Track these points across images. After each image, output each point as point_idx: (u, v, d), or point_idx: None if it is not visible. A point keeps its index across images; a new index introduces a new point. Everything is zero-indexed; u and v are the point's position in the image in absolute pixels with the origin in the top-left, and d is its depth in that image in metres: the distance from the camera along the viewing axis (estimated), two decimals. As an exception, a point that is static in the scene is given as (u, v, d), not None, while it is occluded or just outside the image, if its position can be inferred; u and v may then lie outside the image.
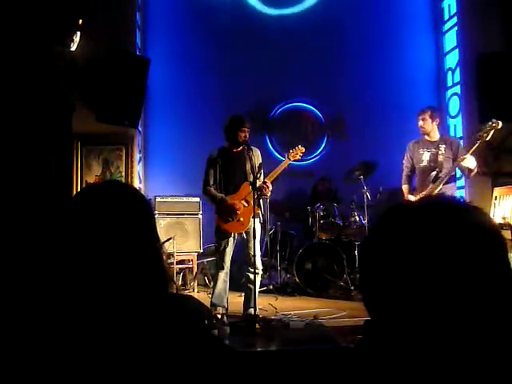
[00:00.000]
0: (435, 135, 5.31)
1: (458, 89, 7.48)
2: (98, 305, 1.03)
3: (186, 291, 6.36)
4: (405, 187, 5.46)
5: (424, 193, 5.09)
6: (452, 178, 5.24)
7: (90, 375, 0.98)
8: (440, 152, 5.17)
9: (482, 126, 4.98)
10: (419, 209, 0.89)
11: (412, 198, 5.21)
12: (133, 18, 6.86)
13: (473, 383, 0.78)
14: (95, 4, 6.17)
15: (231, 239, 4.81)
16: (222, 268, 4.79)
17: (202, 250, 6.70)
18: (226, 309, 4.84)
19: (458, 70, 7.47)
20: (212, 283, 6.33)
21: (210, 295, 4.92)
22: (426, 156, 5.28)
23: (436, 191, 5.03)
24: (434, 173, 5.11)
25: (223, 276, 4.80)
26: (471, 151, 4.97)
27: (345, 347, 3.82)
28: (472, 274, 0.79)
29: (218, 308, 4.74)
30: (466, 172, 5.12)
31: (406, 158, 5.50)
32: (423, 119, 5.26)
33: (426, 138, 5.33)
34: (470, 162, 4.95)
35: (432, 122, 5.27)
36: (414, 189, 5.43)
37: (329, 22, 7.76)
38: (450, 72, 7.70)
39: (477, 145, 4.96)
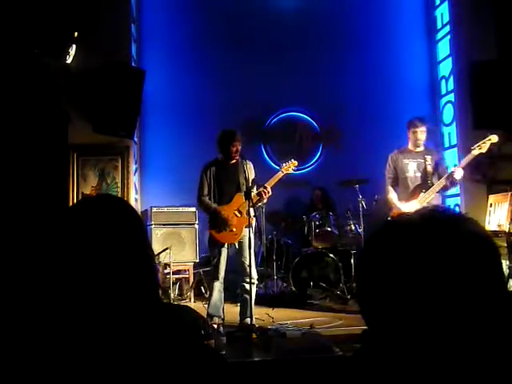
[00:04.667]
0: (421, 146, 5.37)
1: (451, 97, 7.52)
2: (90, 314, 1.04)
3: (182, 301, 6.36)
4: (393, 196, 5.41)
5: (415, 202, 5.13)
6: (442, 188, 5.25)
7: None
8: (427, 162, 5.21)
9: (482, 138, 5.08)
10: (415, 220, 0.89)
11: (404, 206, 5.21)
12: (128, 30, 6.90)
13: None
14: (91, 17, 6.20)
15: (224, 249, 4.83)
16: (217, 279, 4.82)
17: (198, 260, 6.69)
18: (223, 319, 4.85)
19: (451, 78, 7.53)
20: (208, 293, 6.36)
21: (207, 306, 4.93)
22: (412, 166, 5.31)
23: (428, 200, 5.09)
24: (427, 183, 5.15)
25: (218, 286, 4.83)
26: (464, 163, 5.10)
27: (341, 356, 3.82)
28: (468, 285, 0.80)
29: (215, 318, 4.76)
30: (448, 185, 5.15)
31: (388, 168, 5.49)
32: (422, 132, 5.29)
33: (410, 148, 5.37)
34: (459, 174, 5.04)
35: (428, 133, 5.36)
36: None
37: (323, 31, 7.82)
38: (443, 80, 7.75)
39: (472, 157, 5.07)
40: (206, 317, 4.74)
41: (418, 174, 5.26)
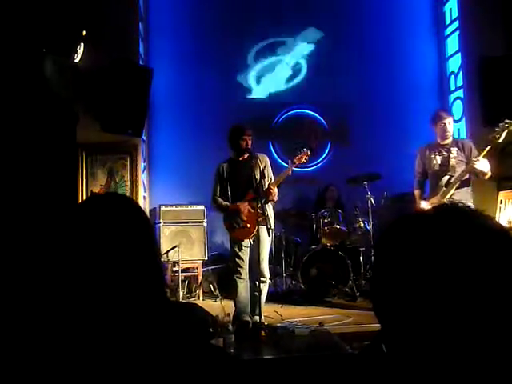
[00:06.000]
0: (449, 139, 5.22)
1: (460, 93, 7.48)
2: (95, 312, 1.04)
3: (191, 299, 6.37)
4: (417, 192, 5.37)
5: (437, 197, 5.02)
6: (466, 182, 5.08)
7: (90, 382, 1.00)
8: (452, 155, 5.06)
9: (496, 127, 4.86)
10: (431, 215, 0.88)
11: (424, 203, 5.14)
12: (136, 28, 6.92)
13: None
14: (99, 15, 6.21)
15: (242, 246, 4.81)
16: (240, 274, 4.78)
17: (206, 258, 6.71)
18: (251, 316, 4.79)
19: (460, 74, 7.48)
20: (217, 290, 6.35)
21: (233, 305, 4.88)
22: (437, 160, 5.17)
23: (449, 195, 4.96)
24: (446, 177, 5.03)
25: (242, 285, 4.79)
26: (483, 154, 4.86)
27: (350, 354, 3.81)
28: (488, 282, 0.78)
29: (244, 315, 4.73)
30: (480, 176, 4.99)
31: (417, 163, 5.40)
32: (449, 123, 5.16)
33: (439, 141, 5.22)
34: (483, 165, 4.85)
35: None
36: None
37: (331, 28, 7.80)
38: (452, 76, 7.71)
39: (489, 147, 4.86)
40: (234, 314, 4.71)
41: (444, 168, 5.09)
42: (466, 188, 5.08)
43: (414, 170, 5.45)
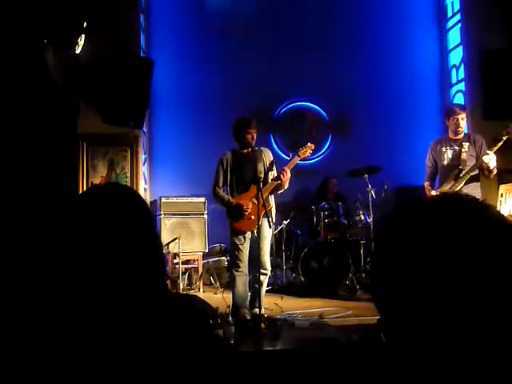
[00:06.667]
0: (461, 134, 5.20)
1: (462, 86, 7.46)
2: (98, 304, 1.05)
3: (191, 291, 6.39)
4: (426, 184, 5.35)
5: (446, 190, 4.99)
6: (476, 178, 5.05)
7: (91, 376, 1.00)
8: (463, 150, 5.04)
9: (492, 128, 4.91)
10: (433, 205, 0.87)
11: (434, 192, 5.15)
12: (137, 20, 6.89)
13: None
14: (100, 7, 6.20)
15: (243, 237, 4.78)
16: (238, 267, 4.75)
17: (207, 250, 6.72)
18: (249, 311, 4.75)
19: (462, 66, 7.46)
20: (217, 282, 6.35)
21: (231, 297, 4.83)
22: (448, 154, 5.16)
23: (457, 188, 4.94)
24: (456, 170, 5.02)
25: (240, 278, 4.74)
26: (495, 149, 4.85)
27: (350, 346, 3.82)
28: (488, 273, 0.77)
29: (243, 310, 4.68)
30: (486, 173, 4.96)
31: (428, 158, 5.37)
32: (463, 119, 5.14)
33: (451, 136, 5.20)
34: (490, 159, 4.83)
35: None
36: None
37: (333, 20, 7.77)
38: (454, 69, 7.69)
39: (501, 142, 4.84)
40: (231, 309, 4.68)
41: (455, 162, 5.07)
42: (475, 183, 5.06)
43: (425, 164, 5.44)
